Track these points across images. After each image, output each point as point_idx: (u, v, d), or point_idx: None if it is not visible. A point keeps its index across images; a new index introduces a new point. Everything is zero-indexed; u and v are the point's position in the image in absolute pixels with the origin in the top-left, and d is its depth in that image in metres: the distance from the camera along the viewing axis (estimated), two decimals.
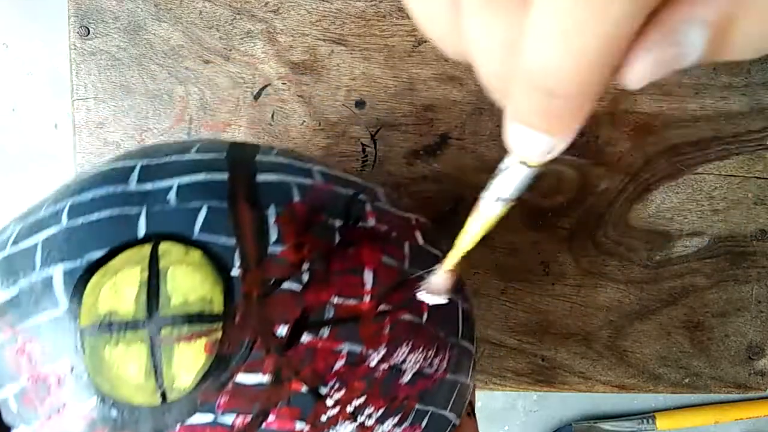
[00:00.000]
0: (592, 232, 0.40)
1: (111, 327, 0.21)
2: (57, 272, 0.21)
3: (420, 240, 0.26)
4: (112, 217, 0.22)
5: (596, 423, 0.47)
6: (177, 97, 0.39)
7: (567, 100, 0.11)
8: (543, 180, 0.40)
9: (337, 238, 0.23)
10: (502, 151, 0.15)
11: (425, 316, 0.24)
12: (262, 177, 0.24)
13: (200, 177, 0.23)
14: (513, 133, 0.13)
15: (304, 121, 0.39)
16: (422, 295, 0.24)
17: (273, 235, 0.22)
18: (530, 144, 0.13)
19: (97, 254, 0.21)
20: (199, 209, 0.22)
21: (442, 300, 0.24)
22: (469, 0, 0.12)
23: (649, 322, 0.41)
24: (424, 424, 0.24)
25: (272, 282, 0.21)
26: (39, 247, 0.22)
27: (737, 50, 0.12)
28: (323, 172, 0.25)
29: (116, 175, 0.23)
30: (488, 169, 0.39)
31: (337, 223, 0.23)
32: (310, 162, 0.26)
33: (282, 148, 0.27)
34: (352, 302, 0.22)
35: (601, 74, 0.11)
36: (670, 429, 0.47)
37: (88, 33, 0.39)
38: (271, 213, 0.22)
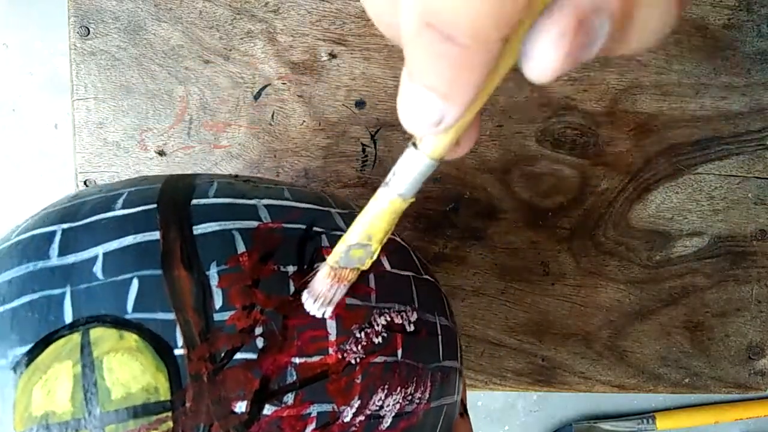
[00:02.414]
0: (592, 232, 0.40)
1: (49, 431, 0.19)
2: None
3: (387, 265, 0.24)
4: (33, 302, 0.20)
5: (596, 423, 0.47)
6: (177, 97, 0.39)
7: (461, 49, 0.12)
8: (543, 180, 0.40)
9: (292, 288, 0.21)
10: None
11: (400, 352, 0.22)
12: (199, 228, 0.21)
13: (128, 240, 0.21)
14: (403, 96, 0.13)
15: (304, 121, 0.39)
16: (306, 304, 0.21)
17: (218, 301, 0.20)
18: (421, 109, 0.13)
19: (23, 349, 0.19)
20: (129, 282, 0.20)
21: (327, 311, 0.21)
22: None
23: (649, 322, 0.41)
24: None
25: (223, 355, 0.19)
26: None
27: (635, 40, 0.13)
28: (270, 205, 0.23)
29: (35, 246, 0.21)
30: (488, 169, 0.39)
31: (291, 269, 0.21)
32: (256, 194, 0.23)
33: (223, 181, 0.24)
34: (316, 359, 0.20)
35: (496, 30, 0.11)
36: (670, 429, 0.48)
37: (88, 33, 0.39)
38: (213, 274, 0.20)
